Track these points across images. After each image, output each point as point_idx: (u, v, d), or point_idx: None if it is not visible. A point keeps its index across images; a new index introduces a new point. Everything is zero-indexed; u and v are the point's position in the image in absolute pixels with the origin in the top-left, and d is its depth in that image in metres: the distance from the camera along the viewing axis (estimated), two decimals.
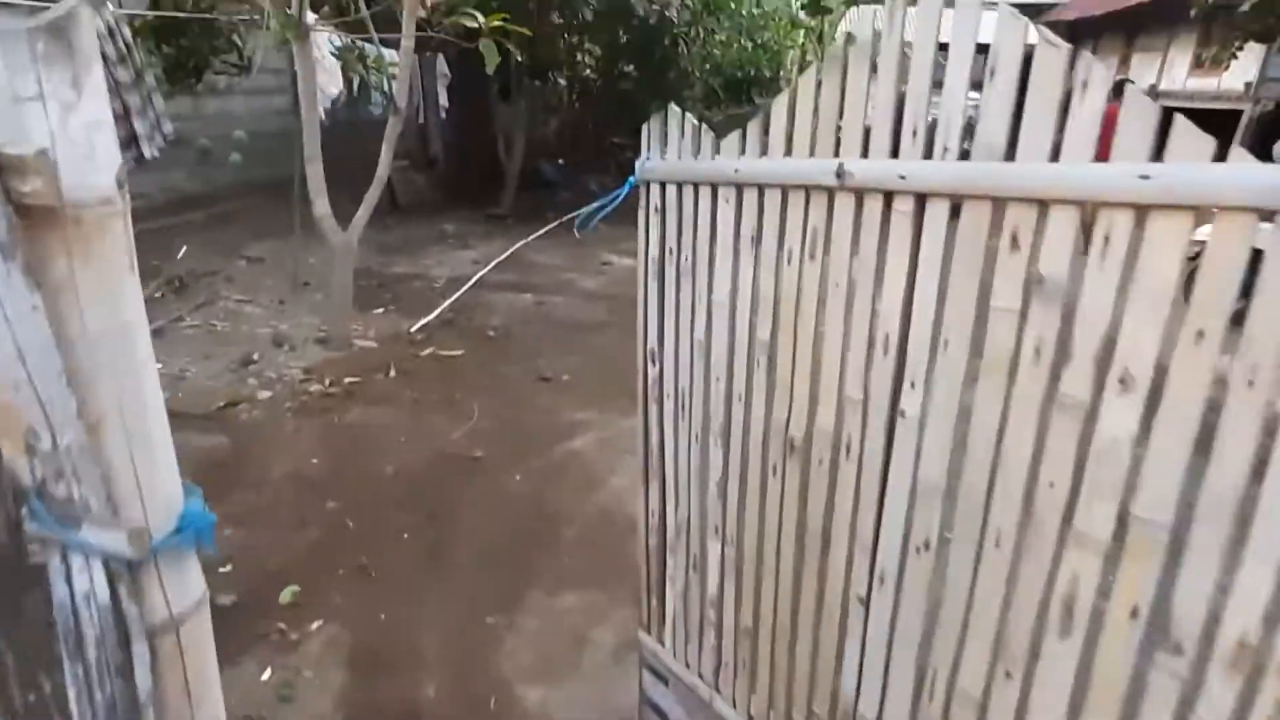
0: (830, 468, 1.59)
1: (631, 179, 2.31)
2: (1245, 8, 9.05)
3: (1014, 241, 1.18)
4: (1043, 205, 1.15)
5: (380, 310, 6.27)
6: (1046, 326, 1.14)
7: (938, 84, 1.33)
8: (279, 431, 4.23)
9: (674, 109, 2.04)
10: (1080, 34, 18.62)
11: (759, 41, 11.57)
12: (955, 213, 1.27)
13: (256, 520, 3.42)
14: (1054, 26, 18.48)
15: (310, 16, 4.70)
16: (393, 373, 5.05)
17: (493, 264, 7.70)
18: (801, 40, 13.92)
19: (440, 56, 9.31)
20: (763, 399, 1.76)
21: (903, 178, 1.32)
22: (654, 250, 2.27)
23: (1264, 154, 11.39)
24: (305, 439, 4.16)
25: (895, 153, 1.35)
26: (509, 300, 6.69)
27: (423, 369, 5.15)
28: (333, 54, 5.86)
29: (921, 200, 1.31)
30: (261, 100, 7.92)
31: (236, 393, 4.66)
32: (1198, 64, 13.66)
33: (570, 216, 10.08)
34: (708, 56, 10.88)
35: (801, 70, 15.47)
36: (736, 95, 12.10)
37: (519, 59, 10.35)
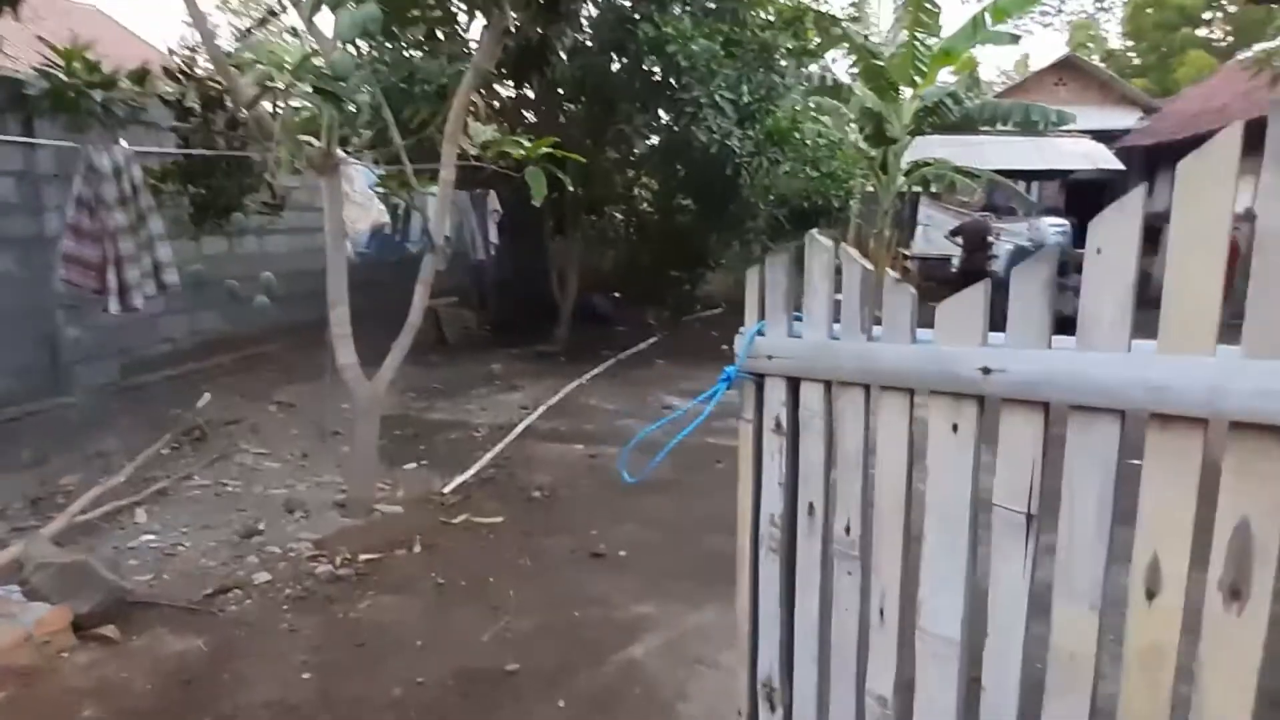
0: None
1: (728, 374, 1.56)
2: None
3: None
4: None
5: (412, 465, 5.60)
6: None
7: None
8: (270, 632, 3.47)
9: (820, 243, 1.33)
10: (1161, 159, 18.10)
11: (824, 171, 11.20)
12: None
13: None
14: (1128, 154, 18.04)
15: (339, 151, 4.27)
16: (417, 547, 4.30)
17: (541, 410, 7.04)
18: (864, 170, 13.57)
19: (492, 193, 9.07)
20: None
21: None
22: (772, 504, 1.52)
23: None
24: (300, 644, 3.38)
25: None
26: (558, 453, 5.97)
27: (453, 542, 4.39)
28: (373, 188, 5.46)
29: None
30: (302, 239, 7.63)
31: (230, 574, 3.94)
32: None
33: (625, 354, 9.51)
34: (771, 186, 10.53)
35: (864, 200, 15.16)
36: (803, 226, 11.67)
37: (573, 190, 10.14)
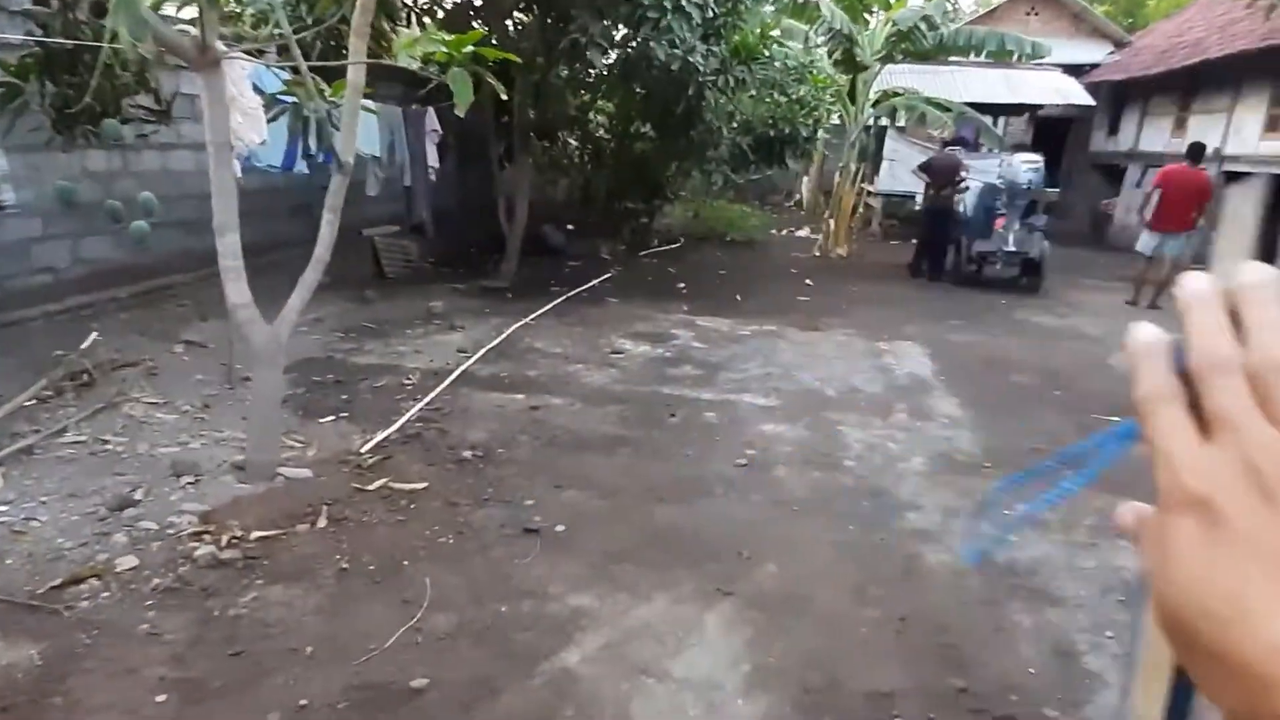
0: None
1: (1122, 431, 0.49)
2: None
3: None
4: None
5: (330, 418, 4.90)
6: None
7: None
8: (126, 637, 2.82)
9: None
10: (1128, 96, 17.54)
11: (792, 96, 10.41)
12: None
13: None
14: (1097, 88, 17.45)
15: (219, 44, 3.44)
16: (323, 521, 3.65)
17: (481, 353, 6.35)
18: (832, 98, 12.78)
19: (430, 110, 8.16)
20: None
21: None
22: None
23: None
24: (161, 654, 2.74)
25: None
26: (497, 404, 5.31)
27: (366, 514, 3.75)
28: (280, 95, 4.60)
29: None
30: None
31: (89, 559, 3.26)
32: (1272, 126, 12.40)
33: (576, 291, 8.80)
34: (735, 112, 9.76)
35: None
36: (768, 157, 10.94)
37: (521, 108, 9.24)
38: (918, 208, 12.89)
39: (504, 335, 6.94)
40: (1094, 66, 18.54)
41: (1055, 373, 6.75)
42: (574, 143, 13.13)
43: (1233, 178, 13.20)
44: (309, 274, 4.04)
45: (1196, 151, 9.73)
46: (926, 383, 6.29)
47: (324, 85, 4.15)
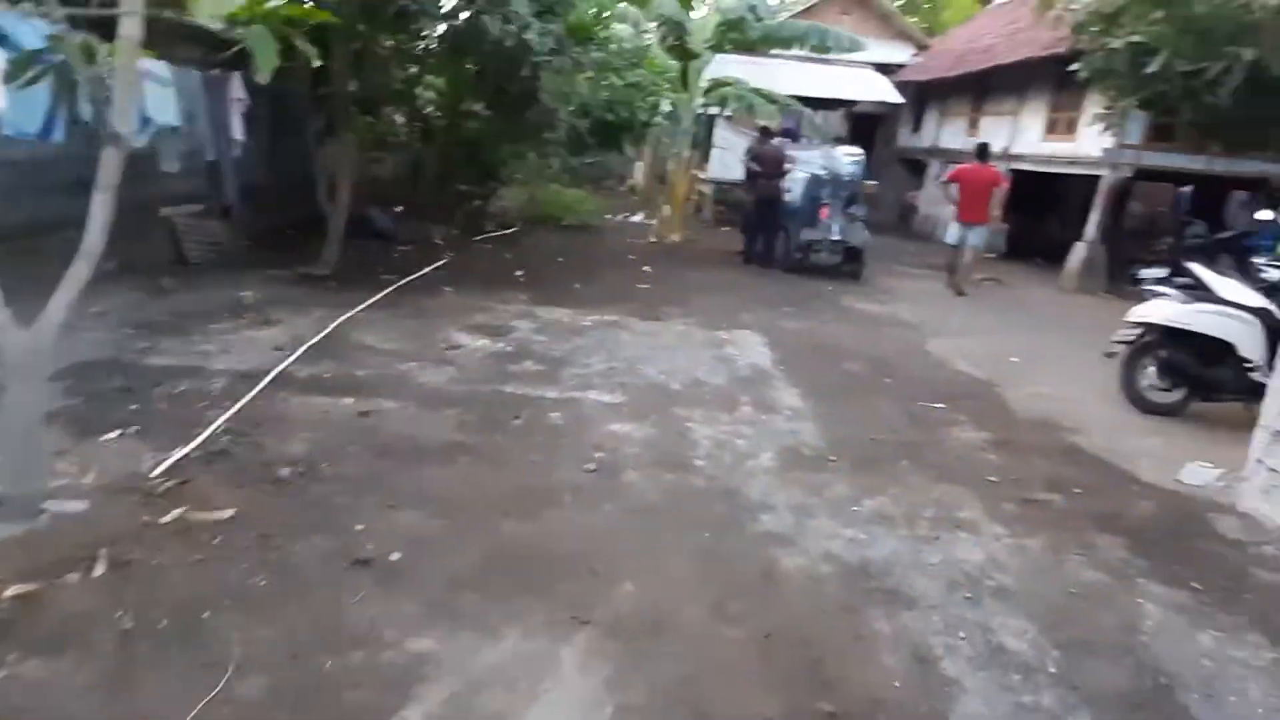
0: None
1: None
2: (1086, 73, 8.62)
3: None
4: None
5: (114, 435, 4.14)
6: None
7: None
8: None
9: None
10: (930, 96, 18.65)
11: (629, 80, 10.17)
12: None
13: None
14: (902, 88, 18.47)
15: None
16: (101, 567, 3.01)
17: (301, 351, 5.68)
18: (667, 84, 12.67)
19: (236, 76, 7.24)
20: None
21: None
22: None
23: (1117, 216, 11.08)
24: None
25: None
26: (320, 410, 4.72)
27: (158, 555, 3.13)
28: (43, 52, 3.76)
29: None
30: None
31: None
32: (1051, 128, 13.54)
33: (408, 280, 8.15)
34: (572, 94, 9.39)
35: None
36: (606, 141, 10.65)
37: (345, 83, 8.45)
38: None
39: (328, 330, 6.28)
40: (900, 67, 19.63)
41: (883, 360, 6.95)
42: (402, 119, 12.28)
43: (1021, 175, 14.36)
44: (77, 266, 3.33)
45: (982, 150, 10.71)
46: (767, 373, 6.27)
47: (99, 42, 3.42)
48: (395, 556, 3.27)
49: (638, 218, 14.92)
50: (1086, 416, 5.87)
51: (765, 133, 11.76)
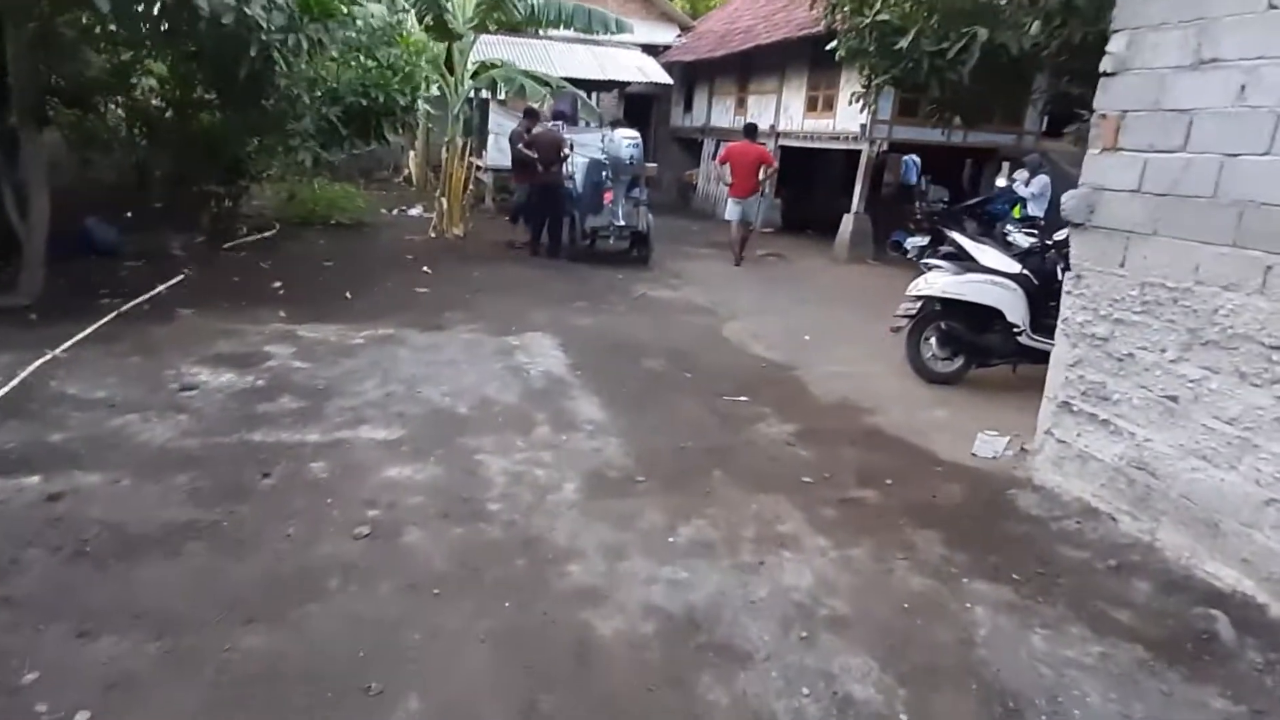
0: None
1: None
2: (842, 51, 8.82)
3: None
4: None
5: None
6: None
7: None
8: None
9: None
10: (698, 76, 18.78)
11: (384, 61, 9.07)
12: None
13: None
14: (670, 69, 18.47)
15: None
16: None
17: None
18: (430, 66, 11.62)
19: None
20: None
21: None
22: None
23: (875, 187, 11.59)
24: None
25: None
26: None
27: None
28: None
29: None
30: None
31: None
32: (812, 106, 13.95)
33: (134, 304, 6.72)
34: (319, 79, 8.20)
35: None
36: (364, 130, 9.49)
37: (30, 71, 6.82)
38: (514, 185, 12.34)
39: (17, 379, 4.92)
40: (666, 48, 19.62)
41: (682, 353, 6.59)
42: (121, 112, 10.33)
43: (789, 151, 14.75)
44: None
45: (751, 130, 11.23)
46: (564, 382, 5.69)
47: None
48: (82, 718, 2.35)
49: (415, 211, 13.77)
50: (881, 393, 5.83)
51: (531, 115, 11.12)
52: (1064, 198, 4.13)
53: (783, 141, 14.61)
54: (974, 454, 4.76)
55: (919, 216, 13.58)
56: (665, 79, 16.65)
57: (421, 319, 7.04)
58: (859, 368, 6.47)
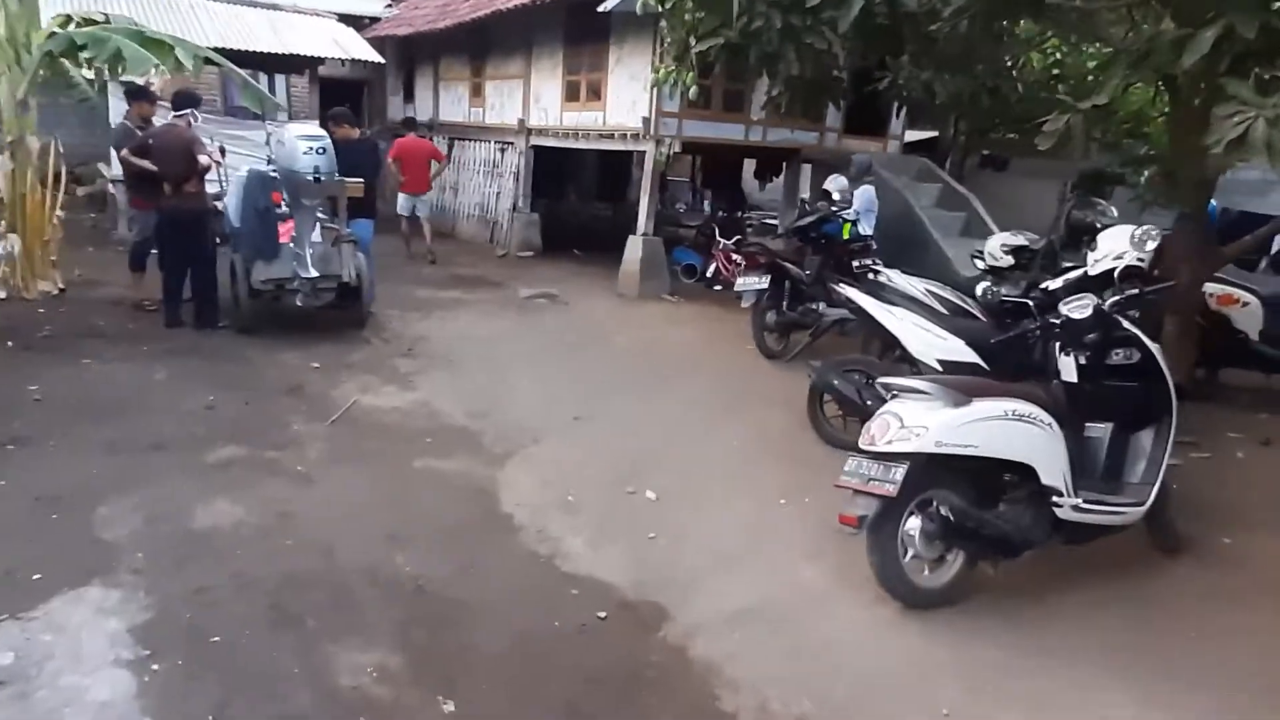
0: None
1: None
2: None
3: None
4: None
5: None
6: None
7: None
8: None
9: None
10: (418, 57, 14.66)
11: None
12: None
13: None
14: (382, 44, 14.16)
15: None
16: None
17: None
18: None
19: None
20: None
21: None
22: None
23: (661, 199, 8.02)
24: None
25: None
26: None
27: None
28: None
29: None
30: None
31: None
32: (572, 94, 10.56)
33: None
34: None
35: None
36: None
37: None
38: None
39: None
40: (374, 20, 15.19)
41: (420, 618, 2.95)
42: None
43: (542, 152, 11.32)
44: None
45: (411, 123, 10.99)
46: None
47: None
48: None
49: None
50: (862, 689, 2.66)
51: (139, 96, 6.76)
52: None
53: (536, 140, 11.16)
54: None
55: (699, 229, 10.95)
56: (373, 56, 12.38)
57: None
58: (776, 589, 3.27)
